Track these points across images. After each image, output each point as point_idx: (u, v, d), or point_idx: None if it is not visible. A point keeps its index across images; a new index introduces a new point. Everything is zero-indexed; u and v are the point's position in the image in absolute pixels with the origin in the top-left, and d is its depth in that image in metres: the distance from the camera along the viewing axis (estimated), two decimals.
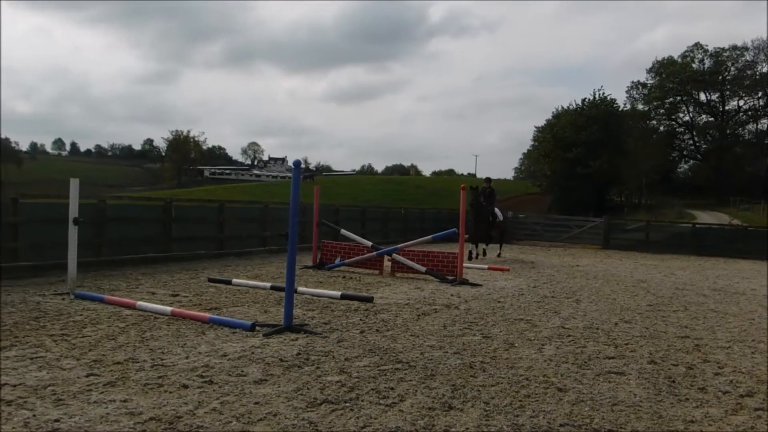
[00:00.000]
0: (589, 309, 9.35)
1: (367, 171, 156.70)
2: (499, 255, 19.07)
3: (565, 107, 69.02)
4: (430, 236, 13.17)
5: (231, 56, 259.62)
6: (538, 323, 8.05)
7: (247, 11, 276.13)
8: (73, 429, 3.87)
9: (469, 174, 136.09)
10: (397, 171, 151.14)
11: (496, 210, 18.47)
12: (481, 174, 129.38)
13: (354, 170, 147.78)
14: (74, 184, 9.08)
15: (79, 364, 5.34)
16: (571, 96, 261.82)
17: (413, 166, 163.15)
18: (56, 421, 3.99)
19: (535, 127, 66.24)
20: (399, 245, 13.28)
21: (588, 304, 9.80)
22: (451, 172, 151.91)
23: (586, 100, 66.66)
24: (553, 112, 71.68)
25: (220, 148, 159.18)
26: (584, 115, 64.28)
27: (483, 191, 17.77)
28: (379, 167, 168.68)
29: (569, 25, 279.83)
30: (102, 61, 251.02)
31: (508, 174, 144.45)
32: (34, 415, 4.08)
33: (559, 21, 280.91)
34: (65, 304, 8.11)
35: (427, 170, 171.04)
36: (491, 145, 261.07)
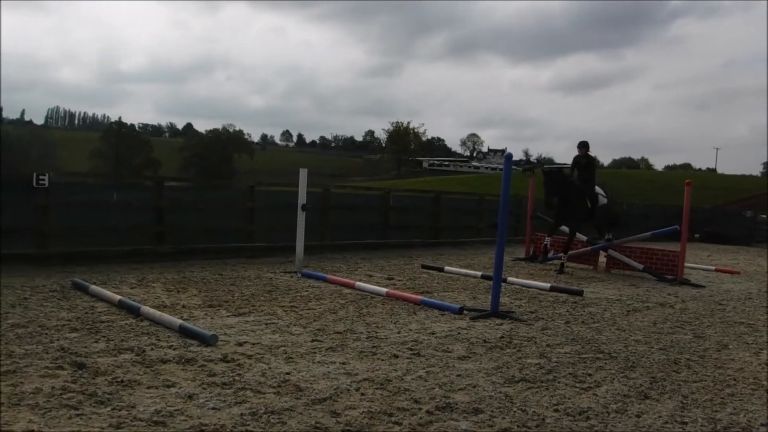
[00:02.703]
0: None
1: None
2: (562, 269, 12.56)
3: None
4: (648, 233, 12.98)
5: (454, 47, 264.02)
6: (761, 328, 7.81)
7: (472, 1, 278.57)
8: (300, 381, 4.65)
9: (708, 169, 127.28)
10: (625, 164, 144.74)
11: (598, 189, 13.15)
12: (723, 169, 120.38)
13: None
14: (303, 174, 10.22)
15: (305, 331, 6.24)
16: None
17: (644, 160, 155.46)
18: (287, 374, 4.81)
19: None
20: (616, 241, 13.21)
21: None
22: (686, 166, 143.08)
23: None
24: None
25: (439, 139, 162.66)
26: None
27: (577, 163, 12.91)
28: (606, 160, 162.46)
29: None
30: (330, 55, 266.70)
31: (755, 170, 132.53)
32: (270, 368, 4.93)
33: None
34: (293, 281, 9.25)
35: (659, 164, 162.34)
36: (737, 138, 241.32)
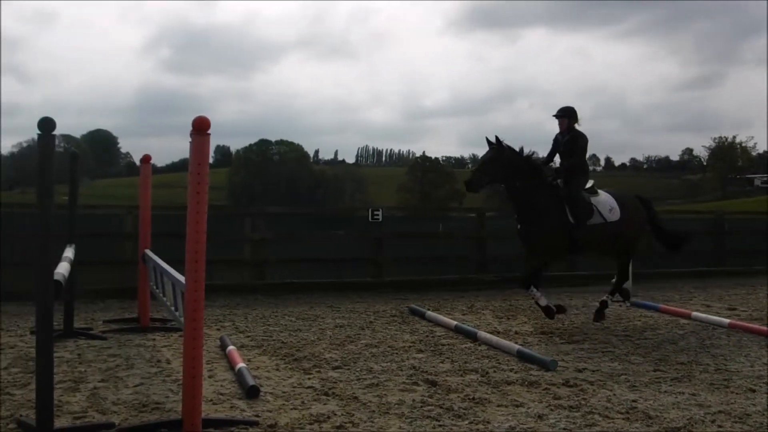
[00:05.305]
0: None
1: None
2: (602, 308, 8.23)
3: None
4: None
5: None
6: None
7: None
8: (648, 409, 4.68)
9: None
10: None
11: (603, 195, 8.16)
12: None
13: None
14: None
15: (645, 360, 6.24)
16: None
17: None
18: (633, 401, 4.88)
19: None
20: None
21: None
22: None
23: None
24: None
25: None
26: None
27: (556, 143, 8.07)
28: None
29: None
30: (639, 72, 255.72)
31: None
32: (614, 395, 5.05)
33: None
34: (623, 311, 9.26)
35: None
36: None
